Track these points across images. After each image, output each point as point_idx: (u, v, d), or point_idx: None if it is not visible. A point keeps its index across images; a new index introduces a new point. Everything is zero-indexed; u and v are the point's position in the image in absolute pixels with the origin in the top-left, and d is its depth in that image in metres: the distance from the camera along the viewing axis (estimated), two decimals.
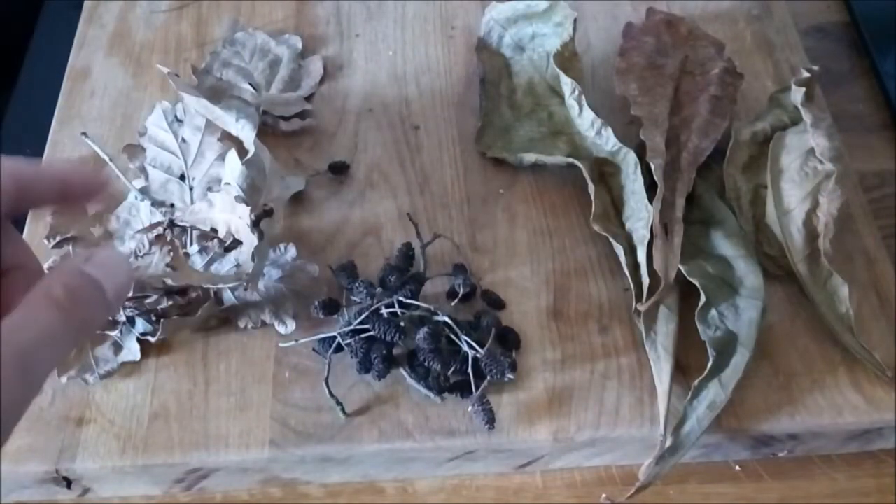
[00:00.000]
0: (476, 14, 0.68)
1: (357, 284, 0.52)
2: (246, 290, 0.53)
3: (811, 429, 0.49)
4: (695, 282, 0.50)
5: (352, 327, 0.50)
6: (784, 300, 0.53)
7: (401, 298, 0.50)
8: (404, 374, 0.50)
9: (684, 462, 0.48)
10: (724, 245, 0.53)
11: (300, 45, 0.65)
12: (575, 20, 0.60)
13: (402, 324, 0.49)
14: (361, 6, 0.70)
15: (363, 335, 0.50)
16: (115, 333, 0.51)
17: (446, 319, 0.49)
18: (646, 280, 0.52)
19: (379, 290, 0.52)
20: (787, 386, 0.50)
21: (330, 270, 0.54)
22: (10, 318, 0.28)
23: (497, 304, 0.53)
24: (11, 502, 0.51)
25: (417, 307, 0.50)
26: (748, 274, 0.52)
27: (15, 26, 0.76)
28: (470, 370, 0.48)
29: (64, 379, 0.51)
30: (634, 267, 0.53)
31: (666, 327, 0.50)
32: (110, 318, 0.51)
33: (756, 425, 0.49)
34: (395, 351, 0.50)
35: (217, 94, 0.60)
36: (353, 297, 0.52)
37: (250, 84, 0.62)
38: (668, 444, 0.47)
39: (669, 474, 0.48)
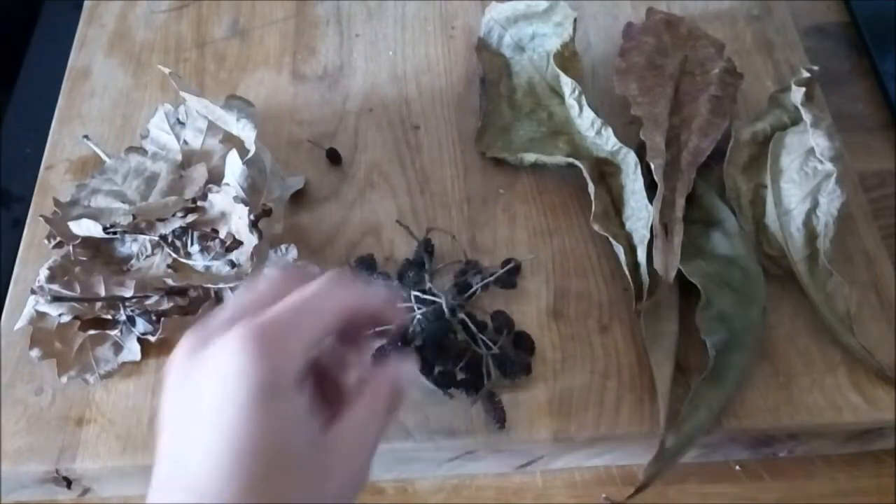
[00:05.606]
0: (476, 14, 0.68)
1: (375, 277, 0.53)
2: None
3: (811, 429, 0.50)
4: (695, 282, 0.50)
5: None
6: (784, 300, 0.53)
7: (416, 293, 0.50)
8: None
9: (684, 462, 0.49)
10: (724, 245, 0.53)
11: (180, 158, 0.58)
12: (575, 20, 0.60)
13: (416, 318, 0.49)
14: (361, 6, 0.70)
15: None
16: (115, 333, 0.51)
17: (463, 316, 0.49)
18: (646, 280, 0.52)
19: (396, 283, 0.52)
20: (787, 386, 0.50)
21: (349, 266, 0.54)
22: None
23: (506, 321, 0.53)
24: (11, 502, 0.51)
25: (433, 302, 0.50)
26: (748, 274, 0.52)
27: (15, 26, 0.76)
28: (484, 368, 0.48)
29: (64, 379, 0.50)
30: (634, 267, 0.53)
31: (666, 327, 0.50)
32: (111, 318, 0.51)
33: (756, 425, 0.49)
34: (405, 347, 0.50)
35: (90, 217, 0.54)
36: None
37: (123, 202, 0.56)
38: (668, 444, 0.47)
39: (669, 474, 0.48)
